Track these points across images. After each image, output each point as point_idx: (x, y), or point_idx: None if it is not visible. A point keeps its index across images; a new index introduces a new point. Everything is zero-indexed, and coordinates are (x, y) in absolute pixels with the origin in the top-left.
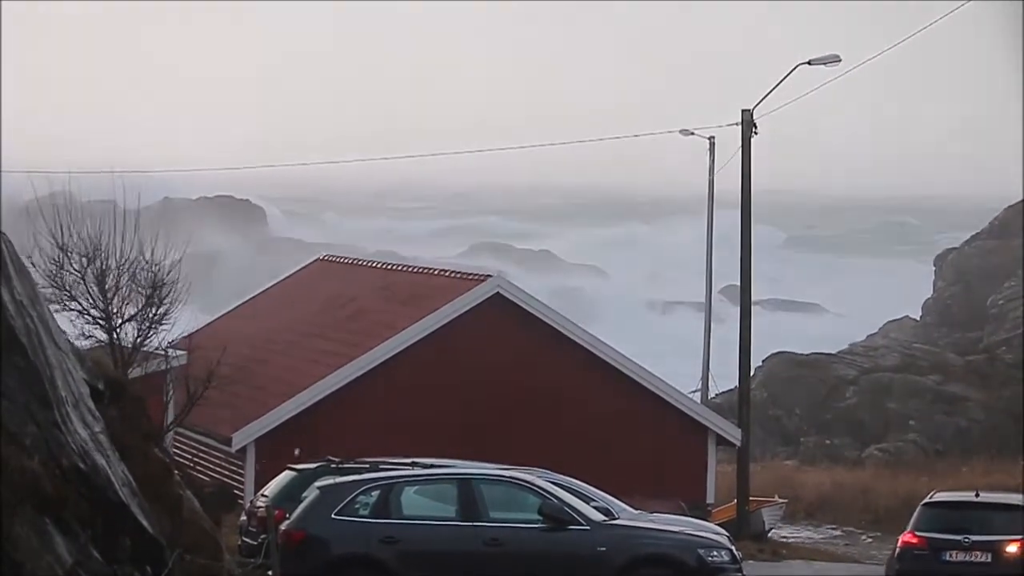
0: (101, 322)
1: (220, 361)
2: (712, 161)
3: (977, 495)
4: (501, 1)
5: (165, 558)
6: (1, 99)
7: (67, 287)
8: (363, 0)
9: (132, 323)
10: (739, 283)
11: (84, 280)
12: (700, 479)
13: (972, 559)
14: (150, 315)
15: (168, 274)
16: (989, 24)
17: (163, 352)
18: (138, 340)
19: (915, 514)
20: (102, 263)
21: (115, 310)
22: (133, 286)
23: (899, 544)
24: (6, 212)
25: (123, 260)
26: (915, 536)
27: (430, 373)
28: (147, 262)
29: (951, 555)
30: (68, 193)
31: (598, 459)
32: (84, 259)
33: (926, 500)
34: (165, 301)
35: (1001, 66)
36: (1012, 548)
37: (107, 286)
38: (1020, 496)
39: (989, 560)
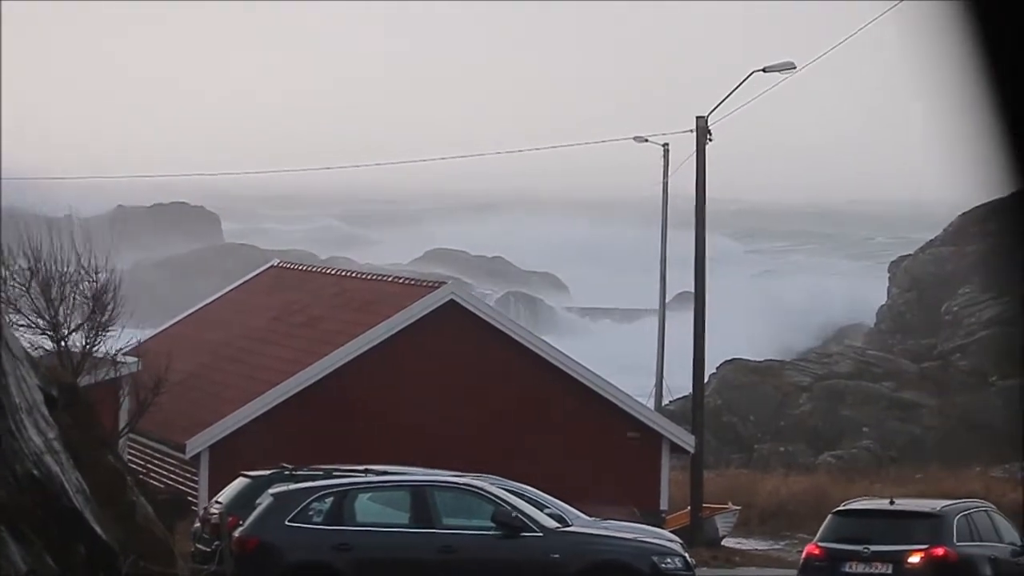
0: (49, 332)
1: (170, 367)
2: (666, 168)
3: (892, 503)
4: (455, 9)
5: (119, 565)
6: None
7: (12, 300)
8: (325, 1)
9: (80, 331)
10: (693, 290)
11: (29, 292)
12: (654, 486)
13: (872, 570)
14: (96, 322)
15: (111, 281)
16: (932, 28)
17: (112, 359)
18: (87, 347)
19: (824, 523)
20: (46, 272)
21: (62, 319)
22: (76, 295)
23: (803, 555)
24: None
25: (67, 269)
26: (816, 547)
27: (384, 380)
28: (90, 270)
29: (850, 566)
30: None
31: (552, 466)
32: (28, 271)
33: (836, 509)
34: (109, 308)
35: (955, 71)
36: (914, 559)
37: (52, 295)
38: (938, 503)
39: (890, 571)
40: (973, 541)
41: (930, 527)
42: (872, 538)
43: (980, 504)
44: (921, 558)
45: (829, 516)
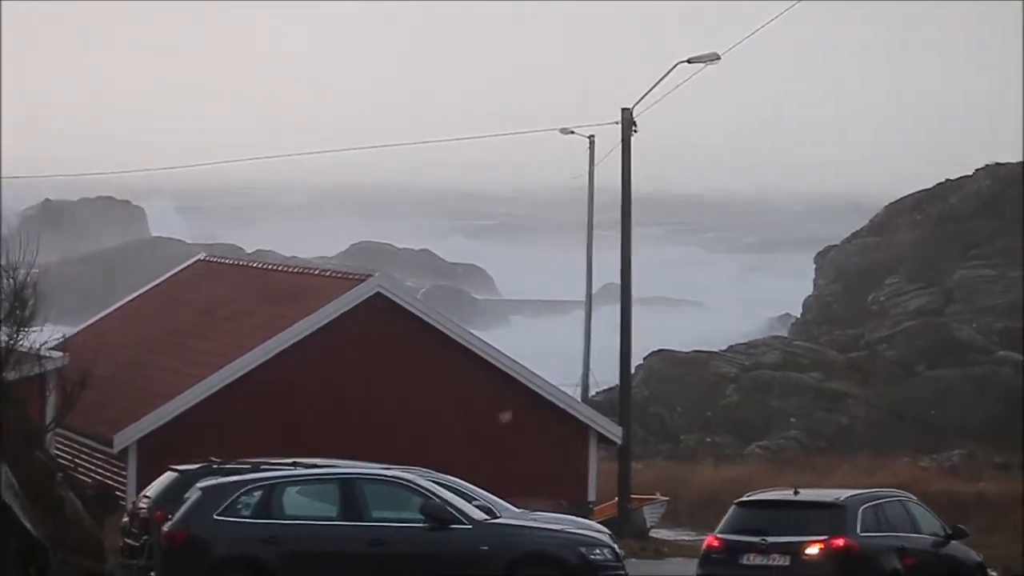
0: None
1: (97, 362)
2: (592, 159)
3: (796, 493)
4: (377, 1)
5: (49, 560)
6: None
7: None
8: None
9: (2, 327)
10: (620, 281)
11: None
12: (581, 477)
13: (770, 562)
14: (17, 317)
15: (31, 276)
16: (869, 23)
17: (37, 354)
18: (10, 343)
19: (726, 515)
20: None
21: None
22: None
23: (703, 547)
24: None
25: None
26: (716, 539)
27: (311, 374)
28: (10, 266)
29: (748, 558)
30: None
31: (480, 458)
32: None
33: (738, 499)
34: (30, 302)
35: (881, 61)
36: (812, 550)
37: None
38: (843, 493)
39: (788, 563)
40: (881, 532)
41: (831, 518)
42: (771, 529)
43: (896, 494)
44: (820, 549)
45: (731, 507)
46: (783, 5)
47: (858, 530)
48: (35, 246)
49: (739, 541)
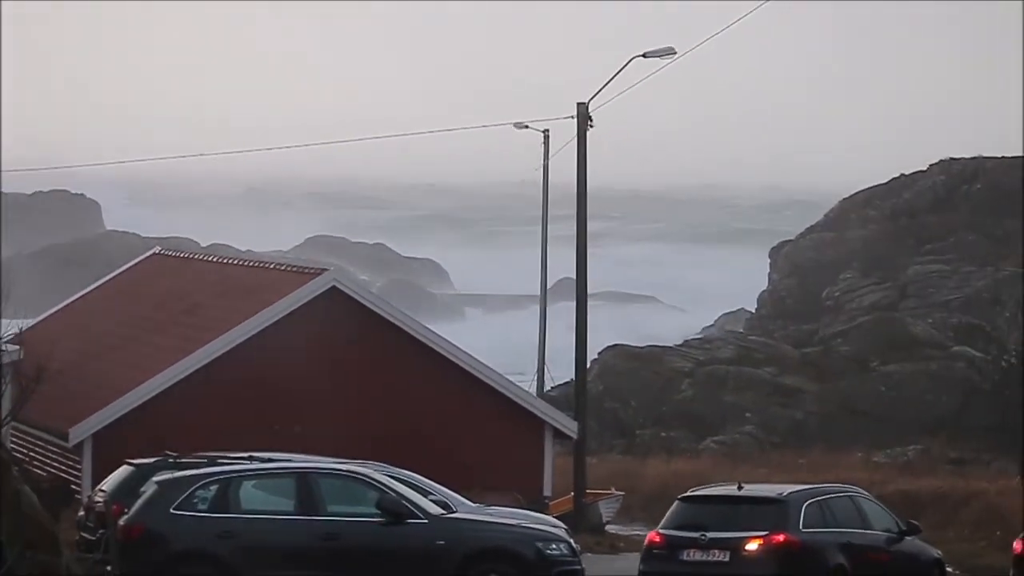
0: None
1: (52, 356)
2: (547, 154)
3: (740, 488)
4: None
5: (4, 554)
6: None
7: None
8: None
9: None
10: (575, 276)
11: None
12: (537, 472)
13: (709, 558)
14: None
15: None
16: (826, 21)
17: None
18: None
19: (669, 510)
20: None
21: None
22: None
23: (645, 543)
24: None
25: None
26: (657, 534)
27: (266, 367)
28: None
29: (688, 554)
30: None
31: (435, 452)
32: None
33: (682, 495)
34: None
35: (835, 58)
36: (752, 546)
37: None
38: (787, 488)
39: (727, 559)
40: (826, 527)
41: (773, 513)
42: (712, 525)
43: (846, 489)
44: (759, 545)
45: (674, 502)
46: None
47: (800, 526)
48: None
49: (680, 537)
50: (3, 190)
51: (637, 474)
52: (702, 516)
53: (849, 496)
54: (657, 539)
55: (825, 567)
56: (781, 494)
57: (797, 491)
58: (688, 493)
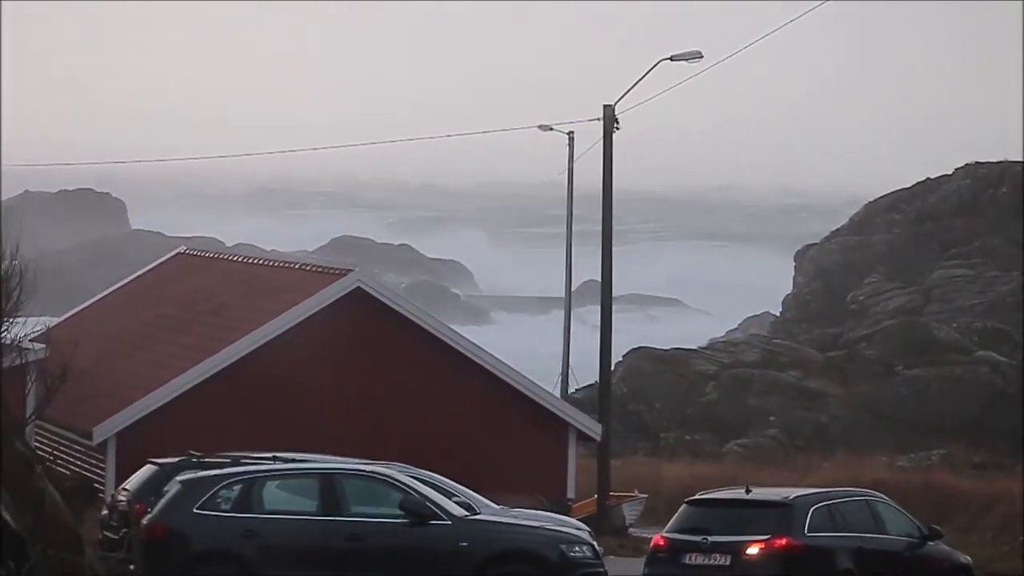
0: None
1: (77, 354)
2: (571, 156)
3: (748, 491)
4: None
5: (28, 553)
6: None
7: None
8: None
9: None
10: (600, 278)
11: None
12: (560, 474)
13: (711, 562)
14: (1, 310)
15: (18, 268)
16: (848, 23)
17: (18, 346)
18: None
19: (676, 513)
20: None
21: None
22: None
23: (650, 546)
24: None
25: None
26: (662, 538)
27: (291, 368)
28: None
29: (690, 557)
30: None
31: (459, 454)
32: None
33: (689, 498)
34: (14, 293)
35: (859, 65)
36: (753, 550)
37: None
38: (795, 492)
39: (728, 563)
40: (835, 532)
41: (777, 517)
42: (716, 528)
43: (860, 493)
44: (760, 549)
45: (681, 506)
46: (768, 5)
47: (805, 530)
48: (17, 237)
49: (682, 540)
50: (29, 188)
51: (660, 477)
52: (706, 520)
53: (865, 500)
54: (661, 542)
55: (832, 572)
56: (787, 498)
57: (804, 495)
58: (695, 497)
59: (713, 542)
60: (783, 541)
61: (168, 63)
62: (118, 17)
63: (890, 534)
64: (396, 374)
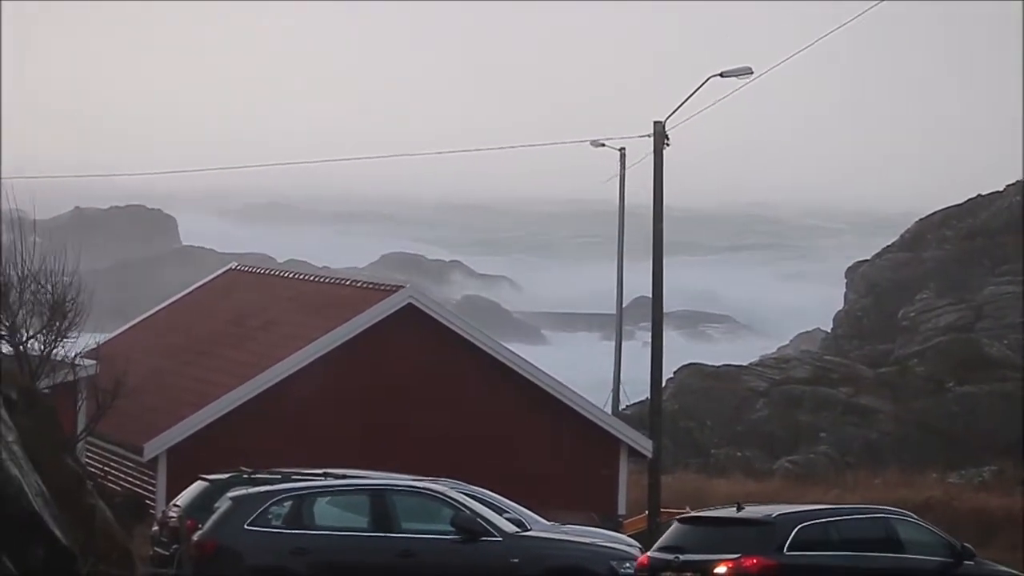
0: (7, 337)
1: (128, 370)
2: (623, 172)
3: (739, 508)
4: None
5: (78, 568)
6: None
7: None
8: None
9: (39, 336)
10: (651, 295)
11: None
12: (611, 490)
13: None
14: (55, 327)
15: (71, 286)
16: (898, 34)
17: (71, 362)
18: (45, 352)
19: (666, 531)
20: (5, 277)
21: (20, 323)
22: (36, 300)
23: (636, 565)
24: None
25: (26, 274)
26: (646, 556)
27: (342, 384)
28: (49, 275)
29: None
30: None
31: (510, 471)
32: None
33: (680, 516)
34: (69, 313)
35: (913, 77)
36: (720, 569)
37: (11, 300)
38: (782, 509)
39: None
40: (831, 551)
41: (756, 535)
42: (690, 547)
43: (877, 511)
44: (728, 568)
45: (672, 523)
46: (817, 21)
47: (785, 549)
48: (68, 255)
49: (658, 559)
50: (79, 205)
51: (711, 493)
52: (687, 538)
53: (882, 518)
54: (644, 561)
55: None
56: (769, 516)
57: (791, 512)
58: (685, 515)
59: (684, 561)
60: (753, 561)
61: (217, 81)
62: (162, 42)
63: (908, 554)
64: (447, 391)
